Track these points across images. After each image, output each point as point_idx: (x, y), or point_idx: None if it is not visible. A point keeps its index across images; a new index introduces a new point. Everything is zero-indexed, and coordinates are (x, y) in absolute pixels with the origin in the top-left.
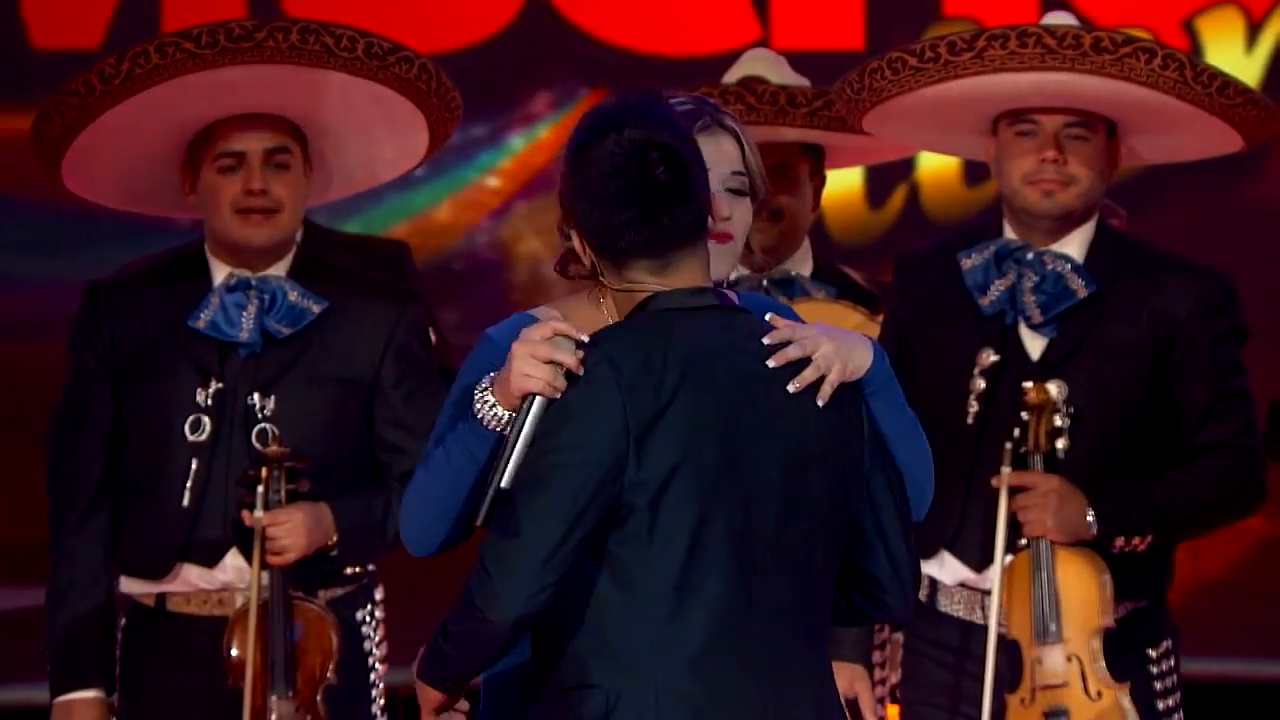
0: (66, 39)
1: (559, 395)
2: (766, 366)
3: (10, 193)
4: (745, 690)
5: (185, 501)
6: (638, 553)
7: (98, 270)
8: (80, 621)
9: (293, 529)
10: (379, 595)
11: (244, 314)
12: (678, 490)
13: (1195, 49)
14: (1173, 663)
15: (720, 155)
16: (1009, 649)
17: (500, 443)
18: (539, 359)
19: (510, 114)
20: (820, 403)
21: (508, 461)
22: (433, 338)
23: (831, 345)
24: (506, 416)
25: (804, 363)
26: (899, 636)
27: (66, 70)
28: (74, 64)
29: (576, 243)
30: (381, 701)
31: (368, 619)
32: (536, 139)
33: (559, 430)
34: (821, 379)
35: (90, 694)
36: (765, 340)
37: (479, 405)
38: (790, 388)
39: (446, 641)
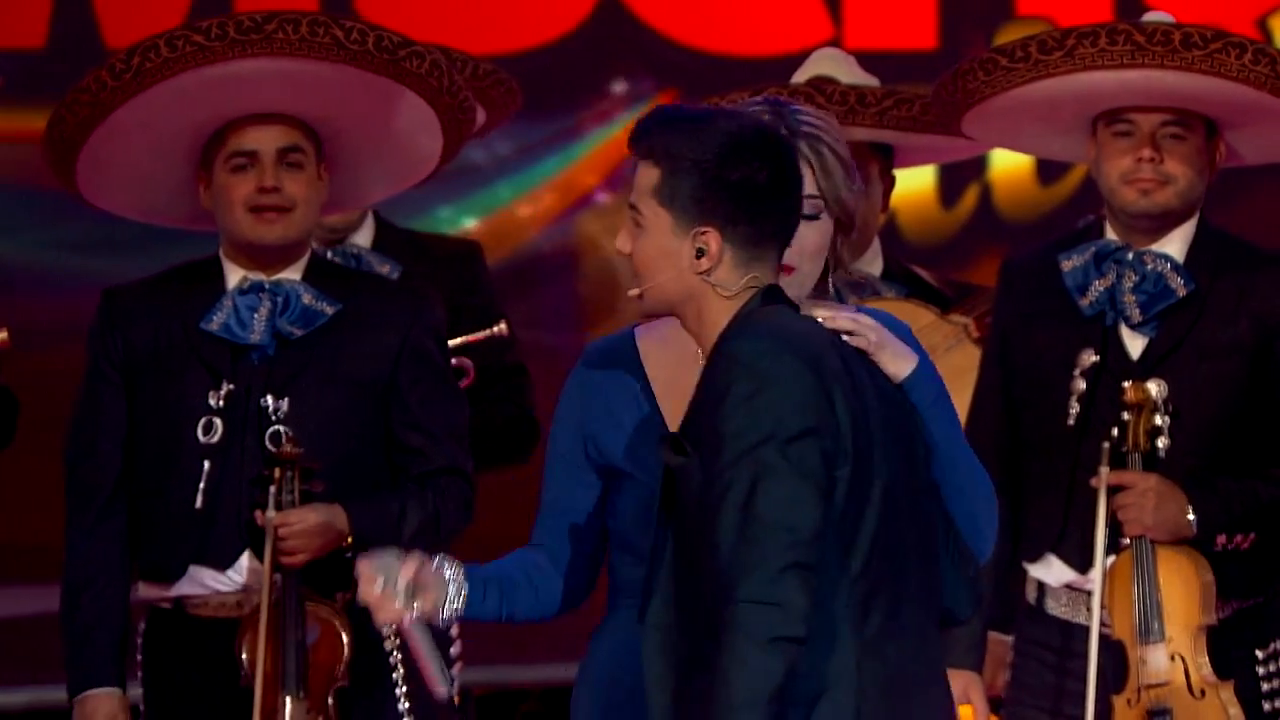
0: (140, 38)
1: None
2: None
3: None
4: (906, 669)
5: (198, 504)
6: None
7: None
8: (96, 620)
9: (305, 530)
10: None
11: (256, 316)
12: (848, 483)
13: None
14: None
15: None
16: (1113, 649)
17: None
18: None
19: (582, 113)
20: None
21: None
22: (503, 330)
23: (871, 322)
24: None
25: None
26: (1005, 639)
27: None
28: None
29: (715, 246)
30: (406, 705)
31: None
32: (608, 138)
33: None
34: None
35: (108, 690)
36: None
37: None
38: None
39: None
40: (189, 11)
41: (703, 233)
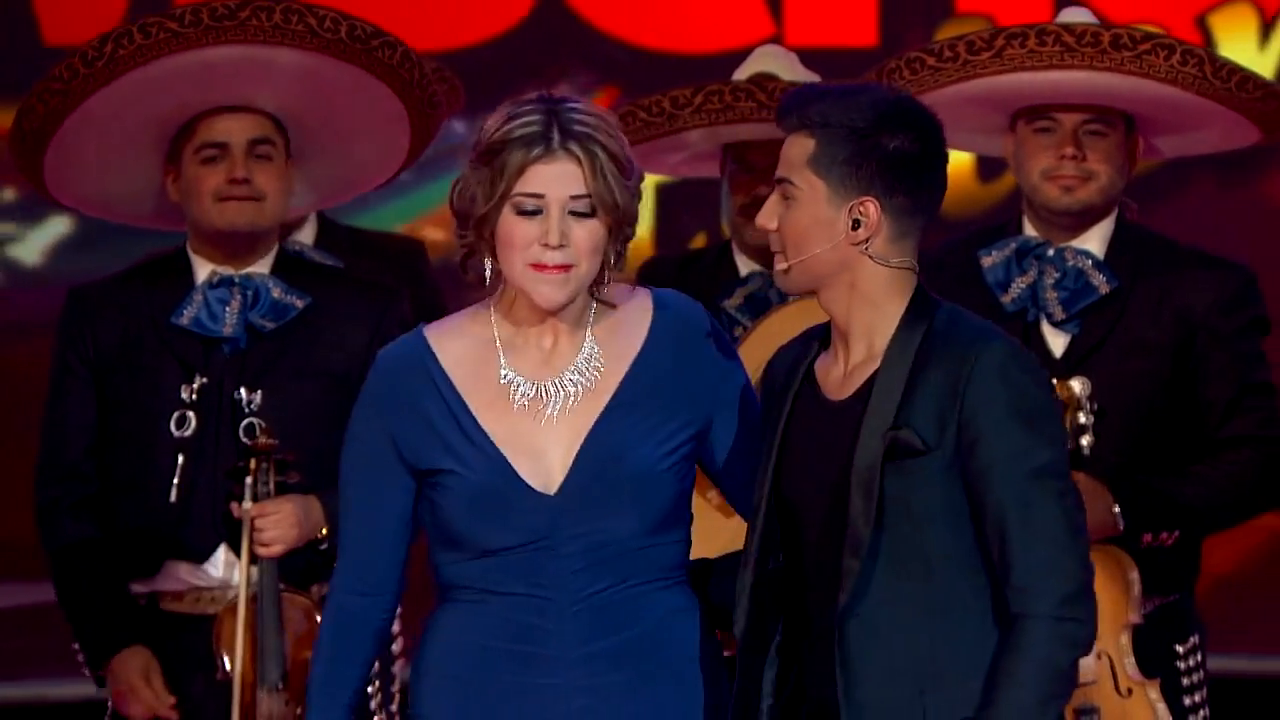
0: (79, 36)
1: None
2: None
3: None
4: None
5: (173, 497)
6: None
7: None
8: (98, 585)
9: (281, 520)
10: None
11: (227, 310)
12: None
13: (1208, 45)
14: (1199, 658)
15: (562, 178)
16: None
17: None
18: None
19: None
20: None
21: None
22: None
23: None
24: None
25: None
26: None
27: None
28: None
29: (874, 216)
30: (396, 698)
31: None
32: None
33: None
34: None
35: (132, 649)
36: None
37: None
38: None
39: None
40: (127, 10)
41: (862, 202)
